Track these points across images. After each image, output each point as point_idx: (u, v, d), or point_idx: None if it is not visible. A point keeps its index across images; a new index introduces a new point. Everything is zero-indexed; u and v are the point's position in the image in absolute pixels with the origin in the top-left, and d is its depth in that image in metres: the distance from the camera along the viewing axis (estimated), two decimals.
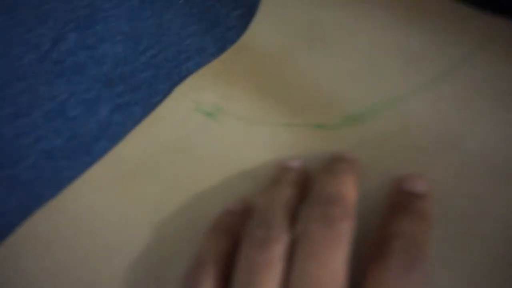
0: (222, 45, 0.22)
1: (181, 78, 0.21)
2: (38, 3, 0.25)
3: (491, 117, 0.17)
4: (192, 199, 0.18)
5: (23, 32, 0.23)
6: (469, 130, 0.18)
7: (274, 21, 0.22)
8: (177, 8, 0.24)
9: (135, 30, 0.23)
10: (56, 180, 0.19)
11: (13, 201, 0.18)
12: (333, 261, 0.14)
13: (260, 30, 0.22)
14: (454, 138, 0.18)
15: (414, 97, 0.19)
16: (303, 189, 0.16)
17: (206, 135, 0.19)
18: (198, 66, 0.22)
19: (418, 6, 0.20)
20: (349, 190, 0.15)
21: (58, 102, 0.21)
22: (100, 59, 0.22)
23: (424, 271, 0.14)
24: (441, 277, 0.15)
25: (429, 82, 0.19)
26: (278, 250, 0.14)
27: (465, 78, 0.19)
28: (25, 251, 0.17)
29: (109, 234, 0.17)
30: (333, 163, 0.17)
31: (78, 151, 0.19)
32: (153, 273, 0.17)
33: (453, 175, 0.16)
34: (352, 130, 0.19)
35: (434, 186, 0.16)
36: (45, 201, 0.18)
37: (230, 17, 0.23)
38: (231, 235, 0.16)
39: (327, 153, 0.18)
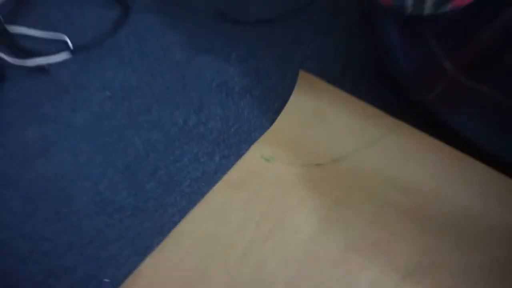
0: (271, 122, 0.44)
1: (252, 141, 0.43)
2: (172, 94, 0.47)
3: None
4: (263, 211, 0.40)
5: (168, 113, 0.46)
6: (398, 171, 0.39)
7: (296, 112, 0.44)
8: (246, 100, 0.46)
9: (225, 113, 0.45)
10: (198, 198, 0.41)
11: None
12: None
13: (287, 117, 0.44)
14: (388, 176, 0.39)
15: (363, 151, 0.41)
16: None
17: (267, 170, 0.42)
18: (260, 134, 0.44)
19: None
20: None
21: (194, 154, 0.43)
22: (211, 130, 0.44)
23: None
24: None
25: (369, 143, 0.41)
26: None
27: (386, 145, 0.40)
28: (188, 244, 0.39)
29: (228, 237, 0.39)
30: None
31: (206, 179, 0.42)
32: None
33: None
34: (334, 167, 0.41)
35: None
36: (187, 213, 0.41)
37: (274, 106, 0.45)
38: None
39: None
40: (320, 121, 0.43)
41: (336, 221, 0.38)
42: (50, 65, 0.49)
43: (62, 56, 0.50)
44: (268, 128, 0.44)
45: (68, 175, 0.42)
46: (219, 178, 0.42)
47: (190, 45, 0.51)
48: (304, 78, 0.43)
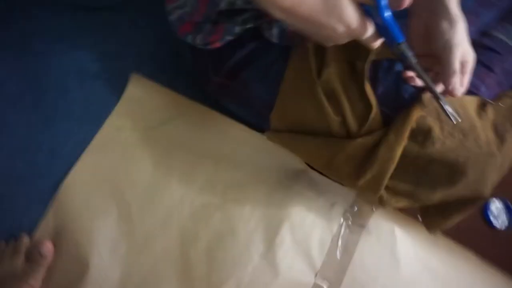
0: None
1: (108, 114, 0.63)
2: (40, 82, 0.63)
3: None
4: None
5: (41, 98, 0.62)
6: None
7: (131, 99, 0.63)
8: (100, 82, 0.64)
9: (85, 94, 0.63)
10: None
11: None
12: None
13: (126, 102, 0.63)
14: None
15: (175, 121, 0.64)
16: None
17: (118, 134, 0.62)
18: (113, 108, 0.63)
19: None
20: None
21: (67, 129, 0.62)
22: (76, 110, 0.63)
23: None
24: None
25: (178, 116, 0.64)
26: None
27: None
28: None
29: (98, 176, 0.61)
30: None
31: (82, 144, 0.62)
32: None
33: None
34: (160, 129, 0.64)
35: None
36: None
37: (123, 85, 0.64)
38: None
39: None
40: (146, 104, 0.64)
41: (168, 160, 0.62)
42: None
43: None
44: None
45: None
46: (89, 142, 0.62)
47: (49, 34, 0.64)
48: (135, 78, 0.63)
